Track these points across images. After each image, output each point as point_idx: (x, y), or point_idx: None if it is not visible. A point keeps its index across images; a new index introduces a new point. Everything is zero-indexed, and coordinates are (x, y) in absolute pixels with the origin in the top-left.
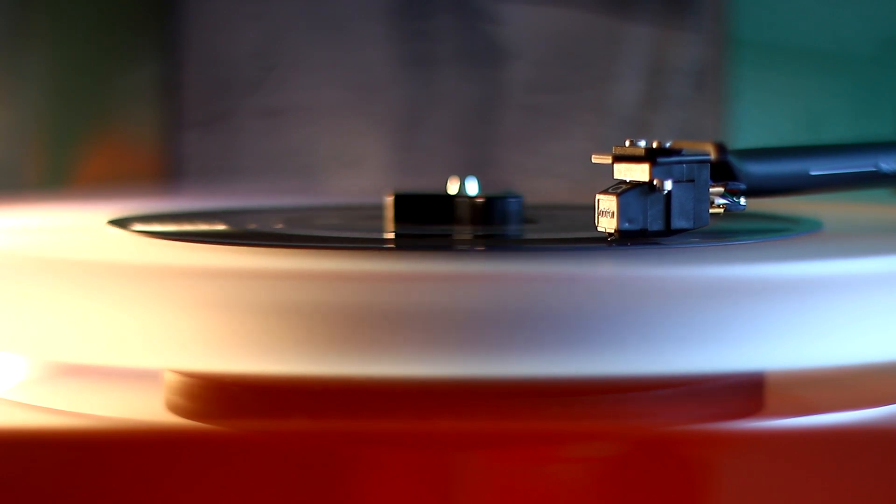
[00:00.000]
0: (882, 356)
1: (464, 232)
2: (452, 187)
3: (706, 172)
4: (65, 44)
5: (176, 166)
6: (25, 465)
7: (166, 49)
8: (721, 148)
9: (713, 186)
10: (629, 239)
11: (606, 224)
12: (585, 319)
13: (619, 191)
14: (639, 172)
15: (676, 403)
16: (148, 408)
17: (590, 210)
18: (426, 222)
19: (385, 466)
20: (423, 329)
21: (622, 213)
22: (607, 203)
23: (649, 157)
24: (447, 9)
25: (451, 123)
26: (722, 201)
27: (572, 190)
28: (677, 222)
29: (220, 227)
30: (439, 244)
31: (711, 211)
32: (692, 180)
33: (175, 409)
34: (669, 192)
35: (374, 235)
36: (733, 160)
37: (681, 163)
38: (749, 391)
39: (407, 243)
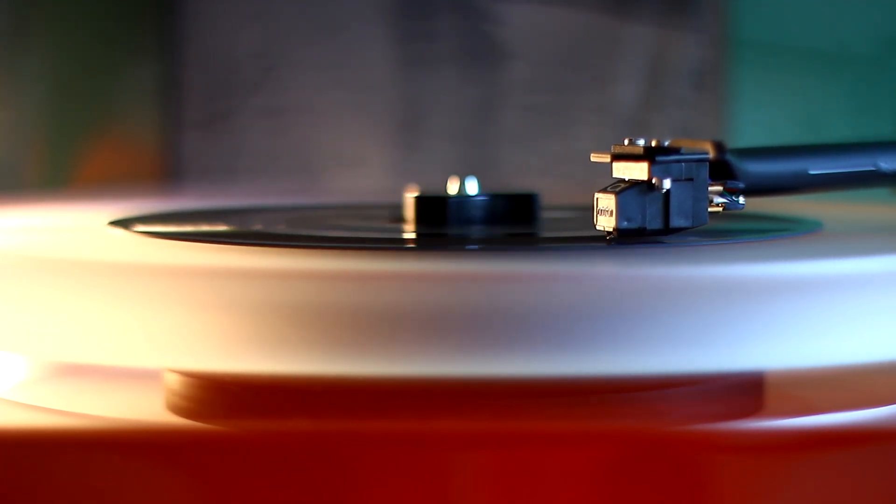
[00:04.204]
0: (882, 356)
1: (464, 232)
2: (452, 187)
3: (705, 171)
4: (65, 44)
5: (176, 166)
6: (25, 465)
7: (166, 49)
8: (720, 147)
9: (712, 185)
10: (628, 238)
11: (605, 223)
12: (584, 319)
13: (617, 189)
14: (637, 171)
15: (676, 403)
16: (148, 408)
17: (589, 209)
18: (426, 222)
19: (385, 466)
20: (423, 329)
21: (621, 211)
22: (606, 202)
23: (648, 155)
24: (447, 9)
25: (451, 123)
26: (721, 200)
27: (572, 190)
28: (676, 221)
29: (221, 227)
30: (439, 244)
31: (710, 210)
32: (691, 179)
33: (175, 409)
34: (668, 190)
35: (374, 235)
36: (732, 159)
37: (679, 161)
38: (749, 391)
39: (407, 243)
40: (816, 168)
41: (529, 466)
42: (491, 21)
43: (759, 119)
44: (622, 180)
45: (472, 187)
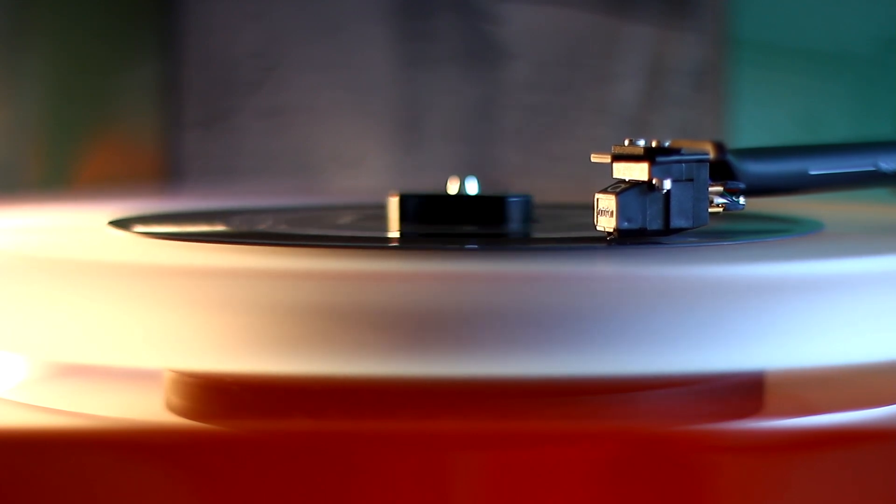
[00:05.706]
0: (882, 356)
1: (464, 232)
2: (452, 187)
3: (705, 172)
4: (65, 43)
5: (176, 166)
6: (25, 465)
7: (166, 49)
8: (720, 147)
9: (712, 186)
10: (628, 238)
11: (605, 223)
12: (584, 319)
13: (618, 190)
14: (638, 171)
15: (676, 403)
16: (148, 408)
17: (589, 209)
18: (427, 222)
19: (385, 466)
20: (422, 329)
21: (621, 212)
22: (606, 202)
23: (648, 156)
24: (447, 9)
25: (451, 123)
26: (721, 200)
27: (572, 190)
28: (676, 221)
29: (220, 227)
30: (439, 244)
31: (710, 210)
32: (691, 179)
33: (175, 409)
34: (668, 191)
35: (374, 235)
36: (732, 159)
37: (680, 162)
38: (749, 391)
39: (407, 243)
40: (817, 168)
41: (529, 466)
42: (491, 21)
43: (758, 119)
44: (622, 181)
45: (472, 187)
